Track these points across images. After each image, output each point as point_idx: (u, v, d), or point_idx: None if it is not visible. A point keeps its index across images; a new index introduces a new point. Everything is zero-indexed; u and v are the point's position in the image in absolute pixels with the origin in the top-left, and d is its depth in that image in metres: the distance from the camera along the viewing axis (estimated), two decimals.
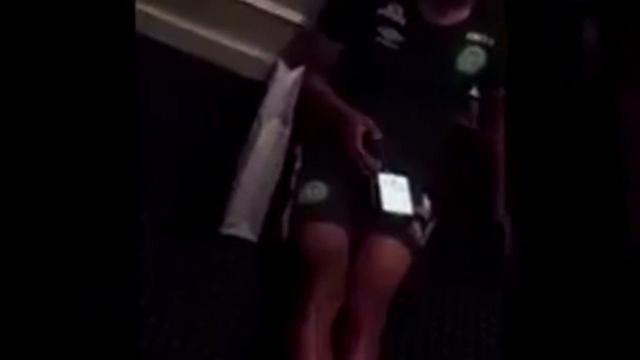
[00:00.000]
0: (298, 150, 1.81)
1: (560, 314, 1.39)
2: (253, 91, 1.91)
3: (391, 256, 1.68)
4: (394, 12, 1.68)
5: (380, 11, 1.68)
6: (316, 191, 1.69)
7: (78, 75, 1.04)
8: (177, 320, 1.62)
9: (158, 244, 1.68)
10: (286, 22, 2.04)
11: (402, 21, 1.68)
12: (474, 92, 1.89)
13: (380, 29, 1.69)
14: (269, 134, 1.78)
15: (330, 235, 1.65)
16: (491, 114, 1.91)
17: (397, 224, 1.69)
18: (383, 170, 1.63)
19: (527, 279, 1.35)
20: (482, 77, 1.75)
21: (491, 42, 1.70)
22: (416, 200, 1.74)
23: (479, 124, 1.96)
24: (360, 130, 1.64)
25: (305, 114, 1.82)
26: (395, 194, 1.72)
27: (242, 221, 1.74)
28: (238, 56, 2.09)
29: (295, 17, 2.02)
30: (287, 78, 1.87)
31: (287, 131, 1.80)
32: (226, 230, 1.73)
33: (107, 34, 1.06)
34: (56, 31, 1.03)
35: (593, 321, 1.33)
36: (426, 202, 1.77)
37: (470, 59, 1.70)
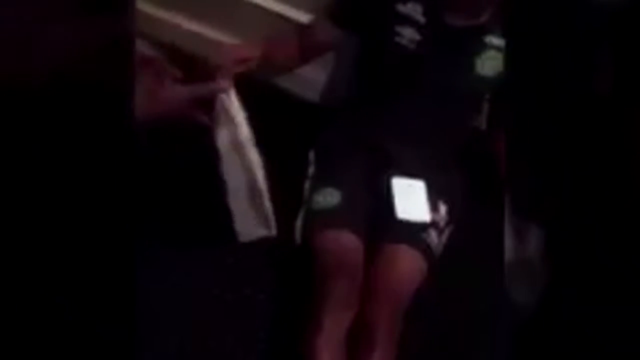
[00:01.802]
0: (311, 156, 1.78)
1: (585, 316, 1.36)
2: None
3: (407, 264, 1.65)
4: (413, 10, 1.64)
5: (399, 8, 1.64)
6: (330, 198, 1.66)
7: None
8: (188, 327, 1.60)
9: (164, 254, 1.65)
10: (288, 20, 1.99)
11: (422, 20, 1.64)
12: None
13: (398, 27, 1.65)
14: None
15: (345, 242, 1.63)
16: (502, 116, 1.88)
17: (412, 231, 1.67)
18: None
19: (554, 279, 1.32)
20: (499, 81, 1.71)
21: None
22: (432, 206, 1.72)
23: (488, 125, 1.93)
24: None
25: None
26: (410, 200, 1.70)
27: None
28: None
29: (300, 16, 1.97)
30: None
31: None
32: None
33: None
34: None
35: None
36: (442, 208, 1.74)
37: (489, 63, 1.67)
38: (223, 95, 1.39)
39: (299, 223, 1.70)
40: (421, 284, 1.65)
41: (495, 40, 1.66)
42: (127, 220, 1.03)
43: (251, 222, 1.66)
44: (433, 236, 1.70)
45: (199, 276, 1.70)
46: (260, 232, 1.67)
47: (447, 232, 1.75)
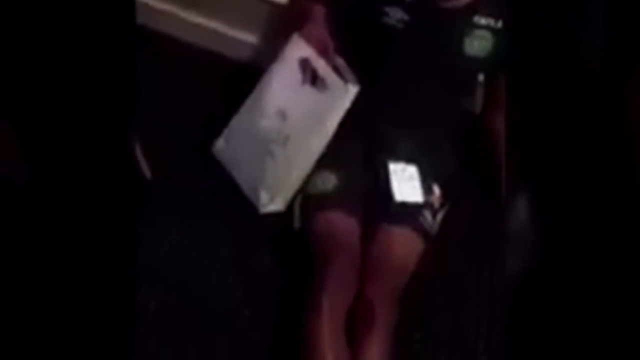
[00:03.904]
0: None
1: (572, 299, 1.38)
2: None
3: (403, 244, 1.67)
4: None
5: None
6: (326, 181, 1.69)
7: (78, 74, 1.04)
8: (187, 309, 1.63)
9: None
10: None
11: (409, 0, 1.66)
12: (480, 76, 1.87)
13: (386, 7, 1.67)
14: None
15: (341, 224, 1.65)
16: (497, 99, 1.89)
17: (408, 212, 1.70)
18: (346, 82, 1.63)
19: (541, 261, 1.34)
20: (490, 61, 1.74)
21: (499, 24, 1.69)
22: (426, 188, 1.74)
23: (483, 109, 1.95)
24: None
25: None
26: (405, 182, 1.73)
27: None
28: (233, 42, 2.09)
29: None
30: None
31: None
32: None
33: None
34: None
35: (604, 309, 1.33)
36: (436, 190, 1.76)
37: (478, 43, 1.69)
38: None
39: (296, 207, 1.72)
40: (418, 263, 1.67)
41: (484, 20, 1.68)
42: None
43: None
44: (428, 217, 1.72)
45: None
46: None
47: (441, 213, 1.77)
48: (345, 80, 1.64)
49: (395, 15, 1.67)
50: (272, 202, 1.72)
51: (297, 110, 1.68)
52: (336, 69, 1.65)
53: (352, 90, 1.63)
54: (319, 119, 1.66)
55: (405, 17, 1.67)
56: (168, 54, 2.05)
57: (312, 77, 1.65)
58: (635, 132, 1.27)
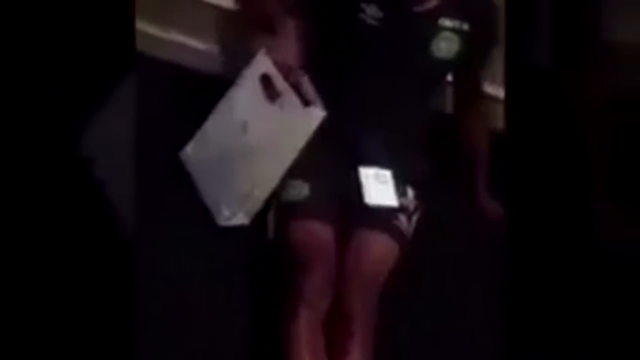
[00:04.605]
0: None
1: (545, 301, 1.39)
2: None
3: (379, 249, 1.67)
4: None
5: None
6: (299, 189, 1.68)
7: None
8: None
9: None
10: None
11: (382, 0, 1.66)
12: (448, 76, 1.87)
13: (362, 4, 1.66)
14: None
15: (316, 232, 1.64)
16: (466, 98, 1.91)
17: (382, 216, 1.69)
18: (308, 104, 1.64)
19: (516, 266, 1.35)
20: (457, 62, 1.74)
21: (465, 26, 1.69)
22: (400, 191, 1.74)
23: (454, 108, 1.96)
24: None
25: None
26: (378, 186, 1.73)
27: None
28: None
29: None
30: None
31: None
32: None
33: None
34: None
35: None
36: (410, 192, 1.76)
37: (445, 45, 1.70)
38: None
39: (270, 217, 1.71)
40: (394, 267, 1.67)
41: (449, 22, 1.68)
42: None
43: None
44: (403, 220, 1.72)
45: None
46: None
47: (416, 215, 1.77)
48: (307, 104, 1.64)
49: (371, 12, 1.66)
50: (234, 216, 1.71)
51: (261, 126, 1.68)
52: (298, 89, 1.65)
53: (319, 115, 1.64)
54: (284, 138, 1.67)
55: (379, 14, 1.66)
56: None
57: (274, 96, 1.66)
58: (582, 125, 1.28)
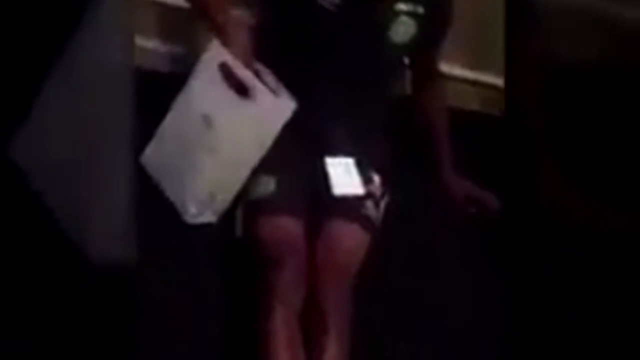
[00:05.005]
0: None
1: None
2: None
3: (348, 238, 1.66)
4: None
5: None
6: (266, 186, 1.66)
7: None
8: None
9: None
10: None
11: None
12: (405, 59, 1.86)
13: None
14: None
15: (285, 227, 1.63)
16: (424, 79, 1.92)
17: (350, 205, 1.68)
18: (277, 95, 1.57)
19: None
20: (414, 45, 1.74)
21: (420, 10, 1.69)
22: (366, 178, 1.73)
23: (413, 89, 1.95)
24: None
25: None
26: (344, 176, 1.72)
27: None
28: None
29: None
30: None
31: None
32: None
33: None
34: None
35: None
36: (376, 179, 1.76)
37: (402, 29, 1.69)
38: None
39: (238, 215, 1.69)
40: (365, 254, 1.67)
41: (404, 6, 1.67)
42: None
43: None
44: (371, 207, 1.72)
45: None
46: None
47: (384, 202, 1.77)
48: (276, 94, 1.58)
49: None
50: (201, 215, 1.66)
51: (224, 118, 1.61)
52: (260, 78, 1.59)
53: (290, 105, 1.57)
54: (252, 131, 1.60)
55: (337, 0, 1.64)
56: None
57: (237, 85, 1.58)
58: (533, 140, 1.29)
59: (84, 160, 1.14)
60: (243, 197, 1.68)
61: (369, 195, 1.72)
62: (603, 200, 1.21)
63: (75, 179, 1.13)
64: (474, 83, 2.27)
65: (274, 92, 1.58)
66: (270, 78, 1.61)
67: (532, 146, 1.26)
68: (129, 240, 1.18)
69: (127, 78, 1.20)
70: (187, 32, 1.97)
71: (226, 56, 1.60)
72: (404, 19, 1.68)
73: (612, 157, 1.22)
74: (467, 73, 2.26)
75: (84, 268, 1.13)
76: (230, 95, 1.59)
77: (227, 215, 1.69)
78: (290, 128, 1.66)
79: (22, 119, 1.14)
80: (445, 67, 2.02)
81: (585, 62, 1.23)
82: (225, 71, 1.59)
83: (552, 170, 1.25)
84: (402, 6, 1.67)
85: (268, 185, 1.66)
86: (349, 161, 1.73)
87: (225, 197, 1.66)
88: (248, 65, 1.59)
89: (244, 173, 1.64)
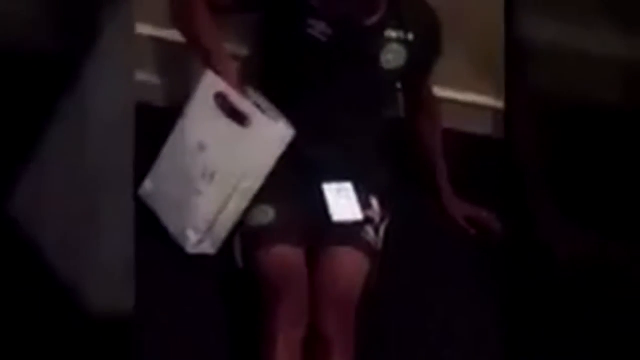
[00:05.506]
0: None
1: None
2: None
3: (350, 264, 1.66)
4: (323, 5, 1.64)
5: (312, 1, 1.64)
6: (265, 215, 1.66)
7: None
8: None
9: None
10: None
11: (332, 16, 1.65)
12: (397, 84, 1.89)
13: (310, 20, 1.65)
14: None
15: (286, 257, 1.63)
16: (416, 103, 1.95)
17: (349, 231, 1.69)
18: (263, 112, 1.57)
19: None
20: (405, 71, 1.76)
21: (410, 37, 1.71)
22: (365, 203, 1.74)
23: (406, 113, 1.97)
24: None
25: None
26: (342, 201, 1.72)
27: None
28: None
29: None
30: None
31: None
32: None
33: None
34: None
35: None
36: (375, 204, 1.76)
37: (392, 56, 1.71)
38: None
39: (237, 246, 1.69)
40: (367, 281, 1.67)
41: (394, 34, 1.69)
42: None
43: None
44: (370, 232, 1.72)
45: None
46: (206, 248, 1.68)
47: (383, 226, 1.77)
48: (274, 120, 1.59)
49: (320, 28, 1.65)
50: (201, 243, 1.67)
51: (222, 147, 1.62)
52: (258, 106, 1.60)
53: (288, 132, 1.58)
54: (250, 159, 1.61)
55: (329, 31, 1.65)
56: None
57: (232, 113, 1.59)
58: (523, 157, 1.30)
59: (84, 208, 1.14)
60: (242, 226, 1.68)
61: (367, 220, 1.72)
62: (598, 231, 1.22)
63: (75, 226, 1.13)
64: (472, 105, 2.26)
65: (272, 119, 1.59)
66: (267, 105, 1.62)
67: (528, 180, 1.27)
68: (128, 289, 1.18)
69: (129, 122, 1.20)
70: (183, 66, 1.98)
71: (221, 85, 1.61)
72: (394, 46, 1.70)
73: (606, 190, 1.23)
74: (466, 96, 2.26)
75: (82, 317, 1.12)
76: (227, 123, 1.60)
77: (227, 245, 1.70)
78: (288, 156, 1.67)
79: (21, 166, 1.14)
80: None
81: (582, 98, 1.25)
82: (221, 100, 1.60)
83: (548, 200, 1.26)
84: (392, 34, 1.69)
85: (267, 214, 1.66)
86: (347, 186, 1.73)
87: (224, 226, 1.67)
88: (243, 93, 1.60)
89: (243, 202, 1.65)
